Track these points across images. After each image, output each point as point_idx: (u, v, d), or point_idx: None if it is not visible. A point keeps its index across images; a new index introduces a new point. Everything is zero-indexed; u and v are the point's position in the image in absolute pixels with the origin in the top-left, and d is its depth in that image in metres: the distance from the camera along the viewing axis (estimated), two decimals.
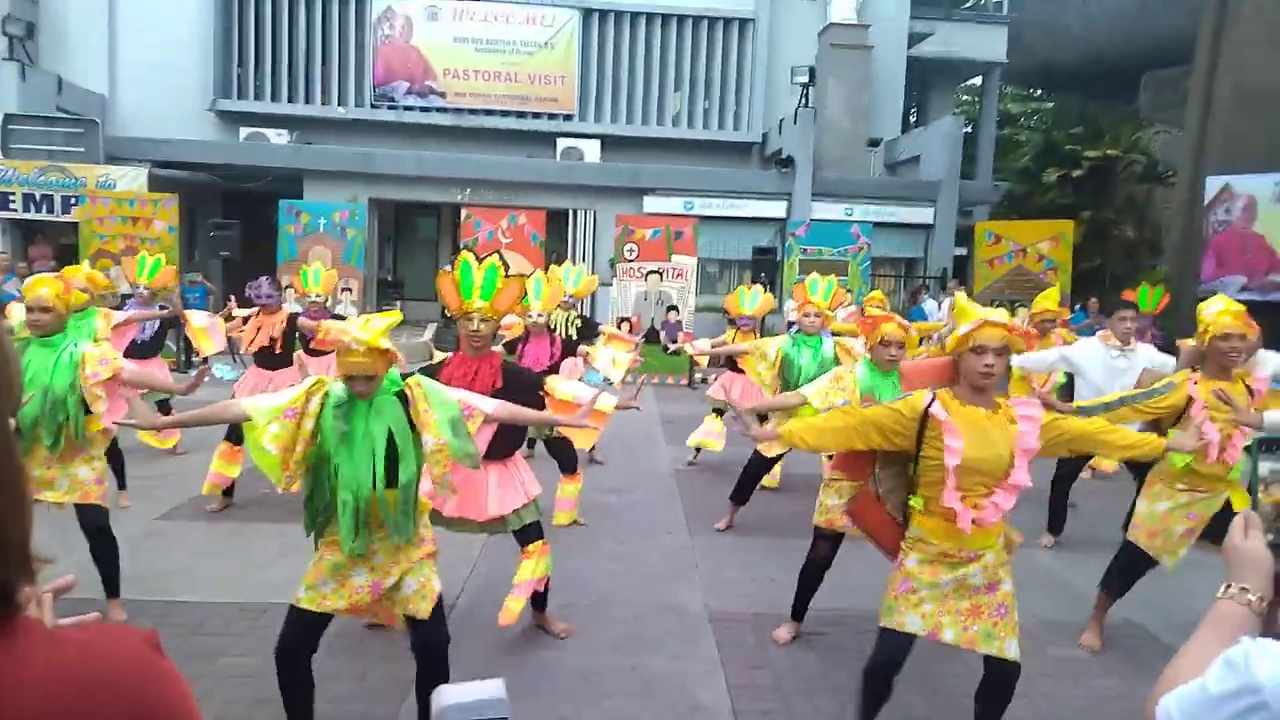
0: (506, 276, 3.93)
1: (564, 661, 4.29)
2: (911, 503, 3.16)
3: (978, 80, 24.53)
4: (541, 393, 4.06)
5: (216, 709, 3.68)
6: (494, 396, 3.58)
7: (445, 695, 0.95)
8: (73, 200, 15.73)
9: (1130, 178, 20.02)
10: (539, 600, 4.56)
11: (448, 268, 4.29)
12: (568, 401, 3.98)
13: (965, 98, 28.93)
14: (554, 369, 6.28)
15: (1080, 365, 6.30)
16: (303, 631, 3.11)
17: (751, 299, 7.70)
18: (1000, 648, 3.09)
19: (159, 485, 7.00)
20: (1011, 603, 3.16)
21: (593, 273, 9.52)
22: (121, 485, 6.39)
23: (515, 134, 20.35)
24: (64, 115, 17.47)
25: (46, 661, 0.70)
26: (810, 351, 6.00)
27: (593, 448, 8.04)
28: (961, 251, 19.88)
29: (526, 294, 5.81)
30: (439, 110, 20.27)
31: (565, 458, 6.43)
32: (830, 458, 3.96)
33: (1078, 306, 13.52)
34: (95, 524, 4.39)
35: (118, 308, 7.17)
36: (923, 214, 18.81)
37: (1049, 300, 7.63)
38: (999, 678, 3.16)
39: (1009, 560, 3.21)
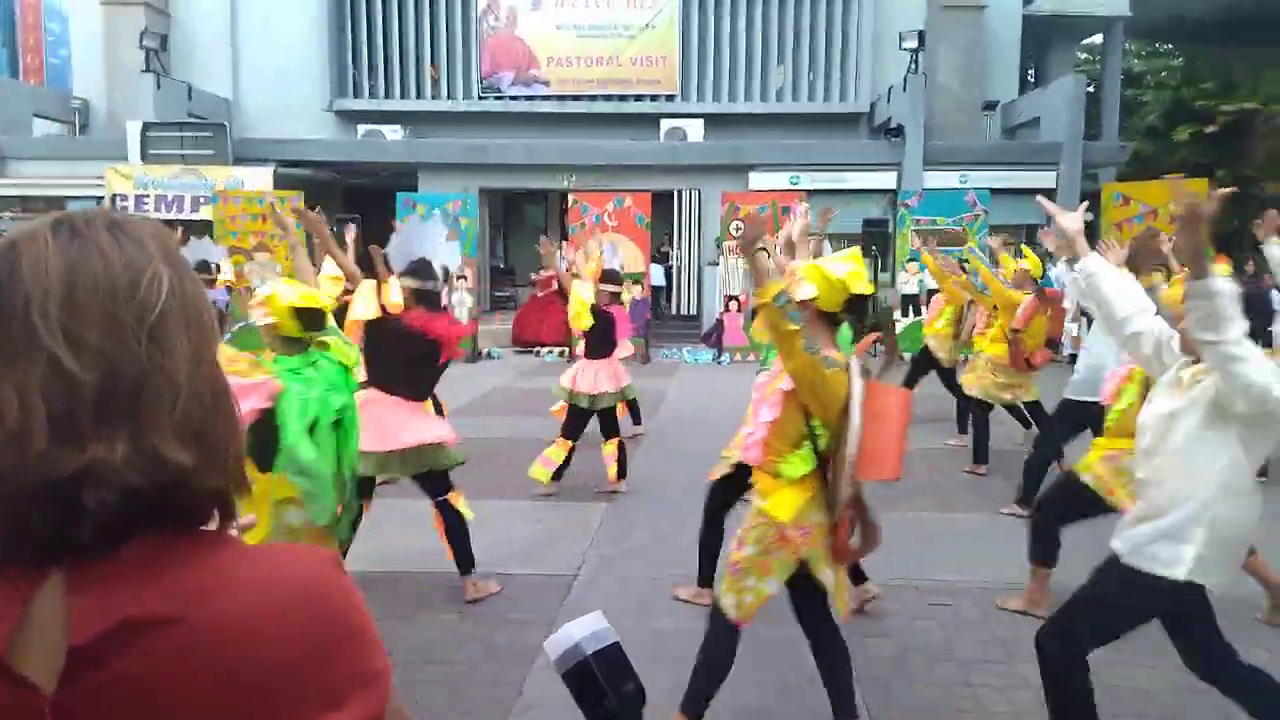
0: None
1: (680, 630, 4.34)
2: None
3: (1098, 38, 23.27)
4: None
5: None
6: None
7: (569, 633, 0.98)
8: (202, 200, 16.65)
9: (1272, 132, 18.70)
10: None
11: None
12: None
13: (1084, 56, 27.51)
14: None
15: None
16: None
17: None
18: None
19: None
20: (741, 563, 3.15)
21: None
22: None
23: (619, 117, 20.43)
24: (194, 121, 18.49)
25: (246, 569, 0.78)
26: None
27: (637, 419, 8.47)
28: (1088, 217, 18.92)
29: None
30: (543, 98, 20.55)
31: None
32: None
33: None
34: None
35: None
36: (1044, 178, 18.00)
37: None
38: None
39: (764, 523, 3.12)
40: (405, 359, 4.51)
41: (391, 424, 4.41)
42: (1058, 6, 20.62)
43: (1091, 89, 21.49)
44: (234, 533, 0.84)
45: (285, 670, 0.75)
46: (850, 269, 3.03)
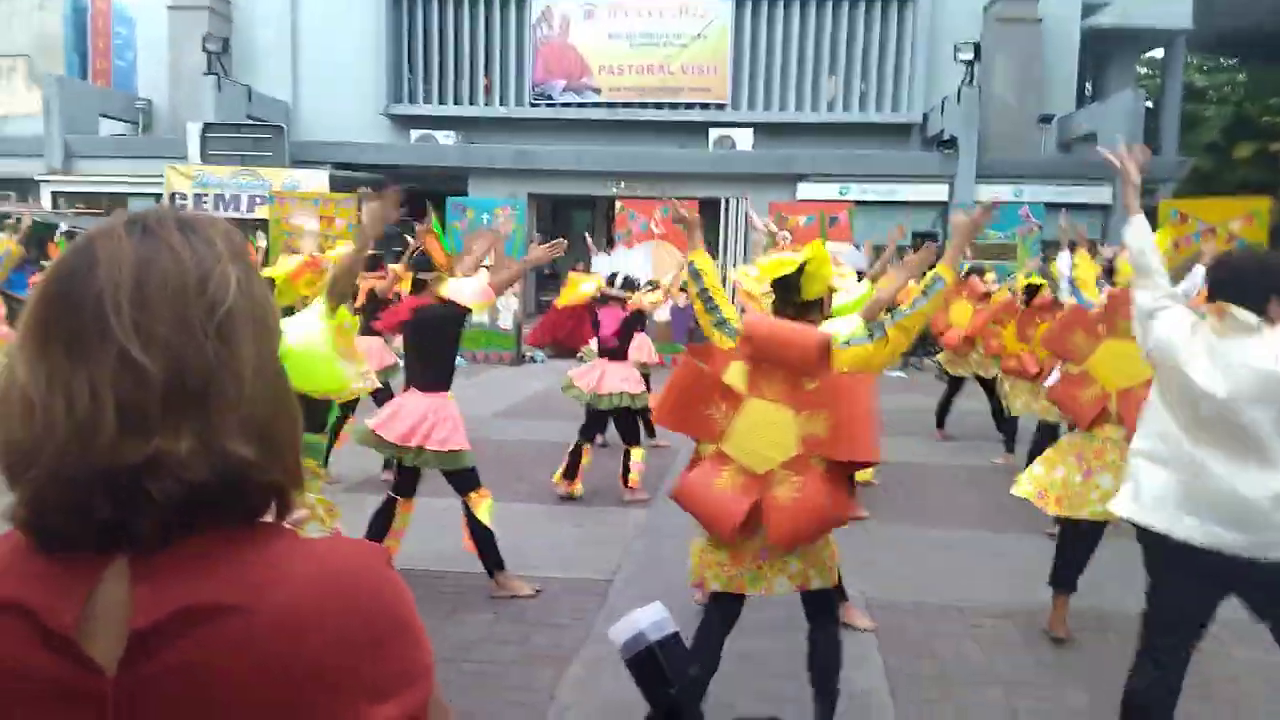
0: None
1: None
2: None
3: (1159, 52, 22.81)
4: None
5: None
6: None
7: (634, 621, 1.02)
8: (258, 200, 17.03)
9: None
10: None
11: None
12: None
13: (1144, 70, 26.98)
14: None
15: None
16: None
17: None
18: None
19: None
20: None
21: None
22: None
23: (669, 125, 20.48)
24: (253, 123, 18.91)
25: (300, 564, 0.79)
26: None
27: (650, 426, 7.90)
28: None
29: None
30: (594, 105, 20.68)
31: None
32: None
33: None
34: None
35: None
36: (1100, 193, 17.68)
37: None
38: None
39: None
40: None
41: (400, 412, 4.59)
42: (1118, 19, 20.25)
43: (1151, 103, 21.06)
44: (287, 525, 0.86)
45: (336, 663, 0.76)
46: (776, 259, 3.27)
